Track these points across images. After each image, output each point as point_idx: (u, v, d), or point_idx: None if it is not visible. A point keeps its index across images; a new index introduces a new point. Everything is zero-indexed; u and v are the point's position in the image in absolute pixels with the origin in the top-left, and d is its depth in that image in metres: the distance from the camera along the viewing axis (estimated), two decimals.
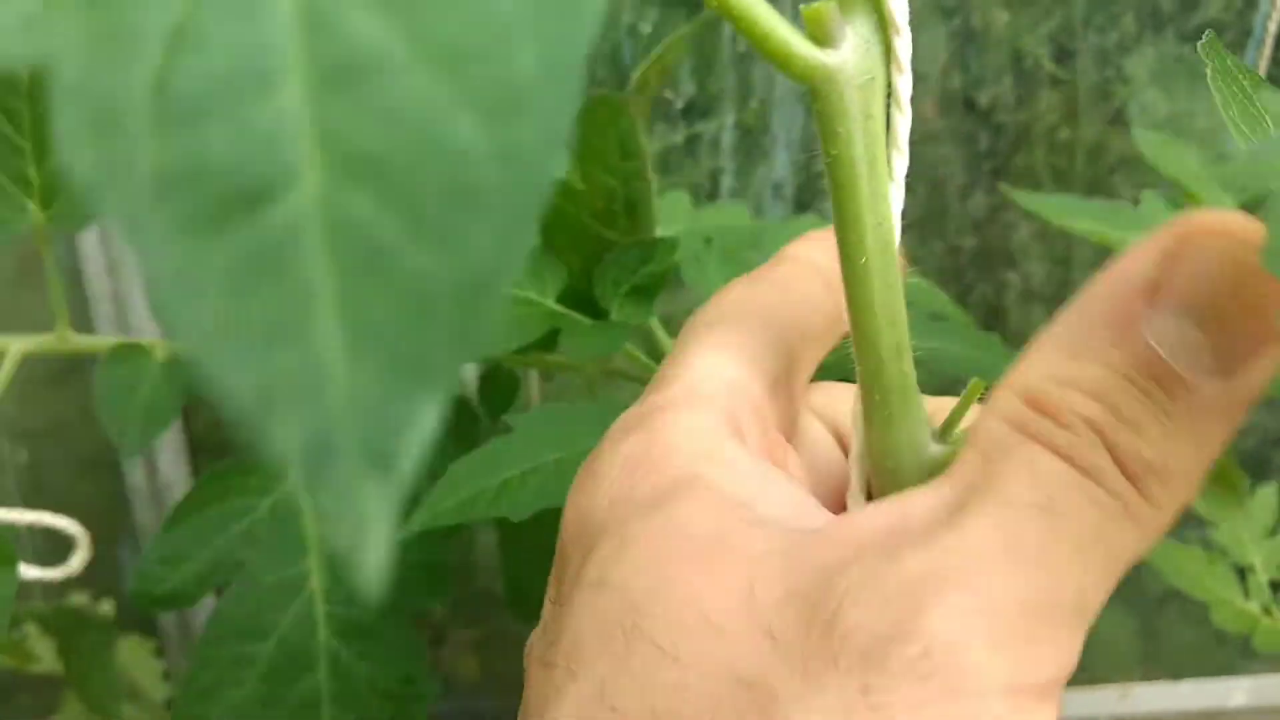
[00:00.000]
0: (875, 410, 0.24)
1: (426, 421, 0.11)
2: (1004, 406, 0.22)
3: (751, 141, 0.70)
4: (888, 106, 0.23)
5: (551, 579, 0.24)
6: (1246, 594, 0.61)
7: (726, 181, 0.71)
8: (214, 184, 0.11)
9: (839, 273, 0.27)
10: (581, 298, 0.41)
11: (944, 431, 0.25)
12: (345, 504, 0.11)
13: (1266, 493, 0.62)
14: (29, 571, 0.47)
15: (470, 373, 0.61)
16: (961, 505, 0.21)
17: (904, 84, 0.23)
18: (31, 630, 0.69)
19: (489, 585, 0.79)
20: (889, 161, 0.24)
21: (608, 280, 0.40)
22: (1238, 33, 0.66)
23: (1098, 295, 0.22)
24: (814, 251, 0.29)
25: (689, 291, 0.46)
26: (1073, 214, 0.47)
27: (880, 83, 0.23)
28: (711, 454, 0.23)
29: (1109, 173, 0.71)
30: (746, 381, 0.26)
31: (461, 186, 0.11)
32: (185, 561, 0.41)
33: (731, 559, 0.21)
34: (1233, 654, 0.85)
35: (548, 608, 0.24)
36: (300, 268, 0.11)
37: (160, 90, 0.11)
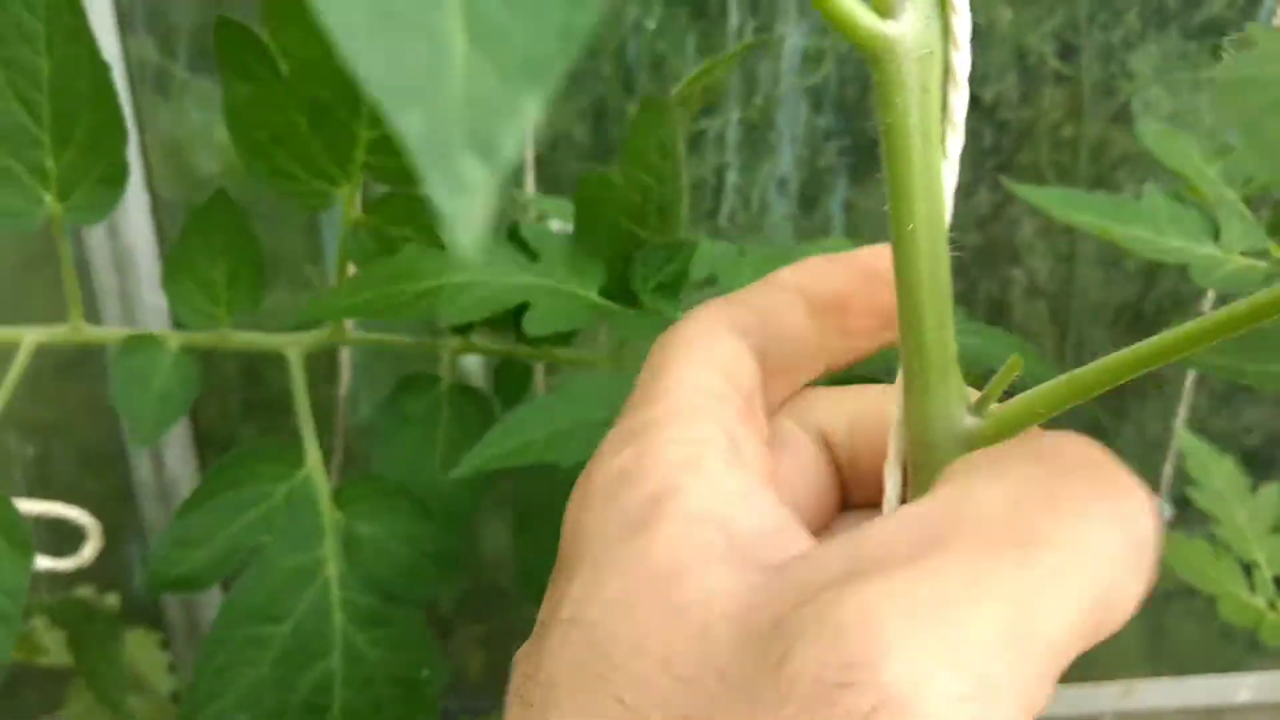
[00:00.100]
0: (914, 380, 0.25)
1: (529, 114, 0.13)
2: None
3: (757, 137, 0.70)
4: (944, 84, 0.24)
5: (548, 592, 0.24)
6: (1252, 589, 0.61)
7: (731, 177, 0.71)
8: None
9: (828, 303, 0.28)
10: (619, 289, 0.42)
11: (979, 406, 0.25)
12: (453, 180, 0.12)
13: (1270, 490, 0.62)
14: (40, 562, 0.47)
15: (482, 367, 0.62)
16: (924, 541, 0.20)
17: (961, 62, 0.24)
18: (39, 623, 0.69)
19: (496, 580, 0.80)
20: (943, 137, 0.24)
21: (638, 276, 0.42)
22: (1241, 29, 0.67)
23: None
24: (803, 278, 0.29)
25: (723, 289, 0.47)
26: (1075, 207, 0.47)
27: (938, 58, 0.23)
28: (697, 463, 0.23)
29: (1112, 169, 0.72)
30: (731, 395, 0.26)
31: None
32: (200, 546, 0.41)
33: (692, 598, 0.21)
34: (1238, 650, 0.85)
35: (539, 624, 0.24)
36: None
37: None
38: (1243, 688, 0.84)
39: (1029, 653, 0.19)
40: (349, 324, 0.46)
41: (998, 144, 0.70)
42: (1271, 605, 0.61)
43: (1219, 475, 0.59)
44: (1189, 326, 0.23)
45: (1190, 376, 0.79)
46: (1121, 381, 0.24)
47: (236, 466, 0.42)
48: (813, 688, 0.19)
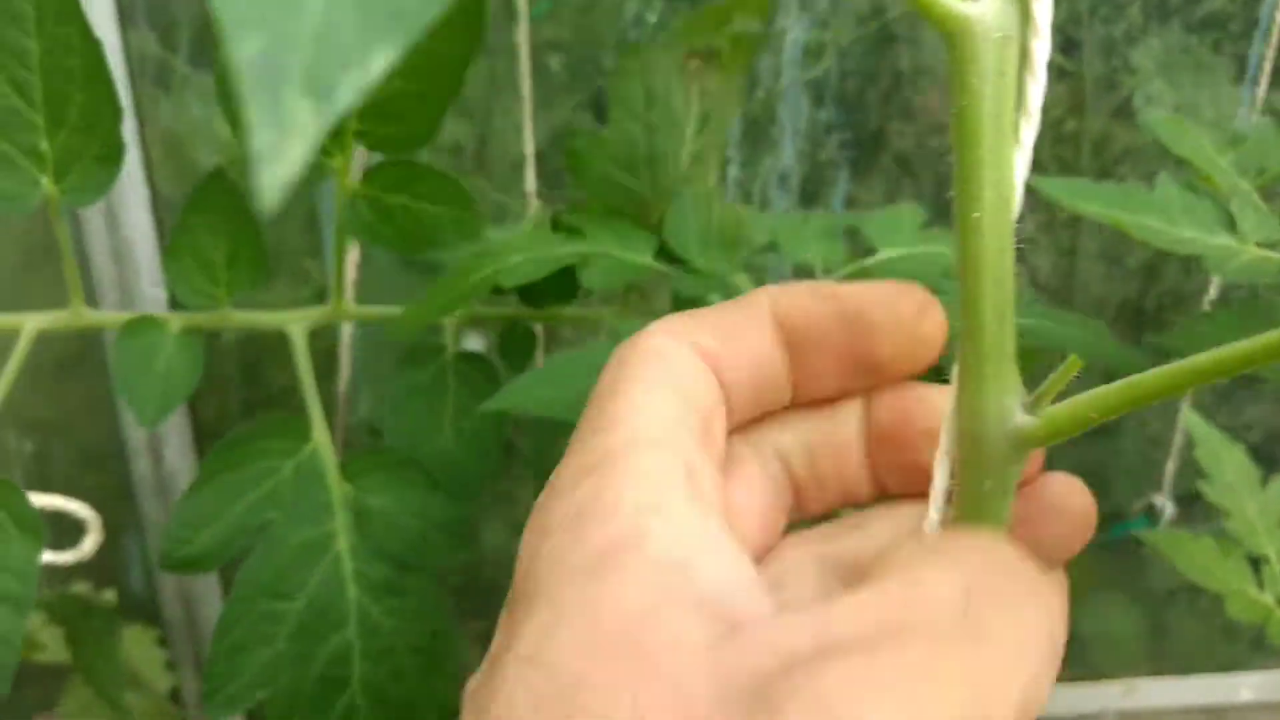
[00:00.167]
0: (969, 371, 0.24)
1: (375, 68, 0.12)
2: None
3: (759, 132, 0.70)
4: (1021, 71, 0.23)
5: (502, 619, 0.24)
6: (1261, 585, 0.61)
7: (733, 171, 0.71)
8: None
9: (801, 337, 0.28)
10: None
11: (1035, 404, 0.25)
12: (276, 115, 0.11)
13: None
14: (42, 556, 0.47)
15: (483, 335, 0.61)
16: (889, 625, 0.21)
17: (1040, 49, 0.23)
18: (36, 619, 0.69)
19: (496, 578, 0.79)
20: (1016, 124, 0.24)
21: (676, 234, 0.42)
22: (1244, 23, 0.67)
23: None
24: (779, 305, 0.28)
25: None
26: (1085, 197, 0.47)
27: (1015, 42, 0.23)
28: (659, 506, 0.23)
29: (1115, 164, 0.71)
30: (689, 417, 0.26)
31: None
32: (210, 524, 0.41)
33: (662, 646, 0.21)
34: (1240, 649, 0.85)
35: (491, 657, 0.24)
36: None
37: None
38: (1245, 687, 0.84)
39: None
40: (350, 292, 0.46)
41: None
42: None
43: (1230, 466, 0.58)
44: (1267, 337, 0.22)
45: None
46: (1181, 393, 0.24)
47: (243, 443, 0.42)
48: None
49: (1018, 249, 0.24)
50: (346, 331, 0.69)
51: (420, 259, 0.67)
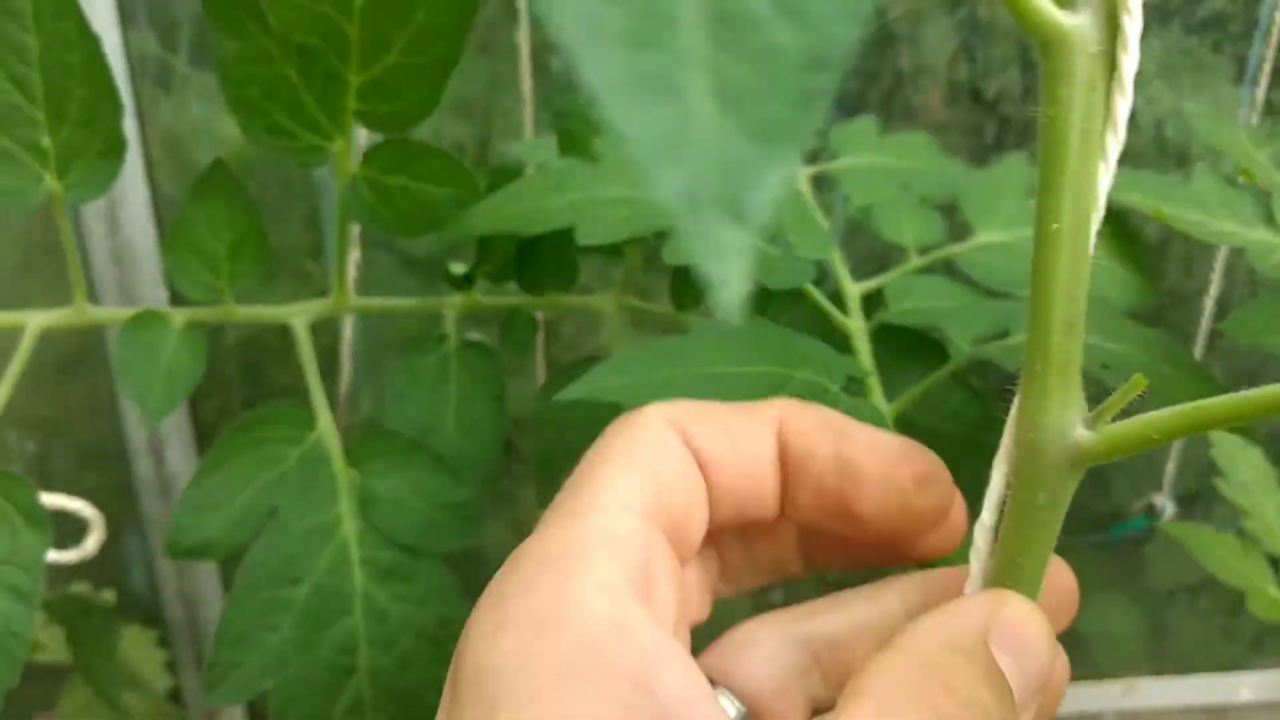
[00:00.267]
0: (1033, 381, 0.24)
1: (776, 178, 0.13)
2: None
3: None
4: (1110, 86, 0.23)
5: (448, 707, 0.24)
6: None
7: None
8: None
9: (803, 462, 0.28)
10: None
11: (1096, 420, 0.24)
12: (711, 244, 0.13)
13: None
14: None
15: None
16: None
17: (1129, 65, 0.23)
18: (35, 619, 0.69)
19: None
20: (1103, 138, 0.24)
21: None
22: (1243, 24, 0.67)
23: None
24: (789, 422, 0.28)
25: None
26: (1125, 186, 0.45)
27: (1108, 57, 0.23)
28: (621, 622, 0.23)
29: (1117, 165, 0.72)
30: (661, 515, 0.25)
31: None
32: (216, 510, 0.41)
33: None
34: (1240, 649, 0.85)
35: None
36: (682, 34, 0.13)
37: None
38: (1245, 686, 0.84)
39: None
40: (352, 291, 0.46)
41: (1000, 138, 0.70)
42: None
43: (1247, 466, 0.58)
44: None
45: None
46: (1246, 421, 0.23)
47: (248, 431, 0.42)
48: None
49: None
50: (348, 329, 0.69)
51: (421, 259, 0.67)
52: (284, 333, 0.45)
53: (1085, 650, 0.85)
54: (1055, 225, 0.23)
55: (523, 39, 0.65)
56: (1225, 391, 0.24)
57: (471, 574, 0.79)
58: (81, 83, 0.41)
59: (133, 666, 0.74)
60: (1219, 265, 0.73)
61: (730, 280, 0.13)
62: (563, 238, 0.44)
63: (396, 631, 0.41)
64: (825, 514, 0.28)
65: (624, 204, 0.40)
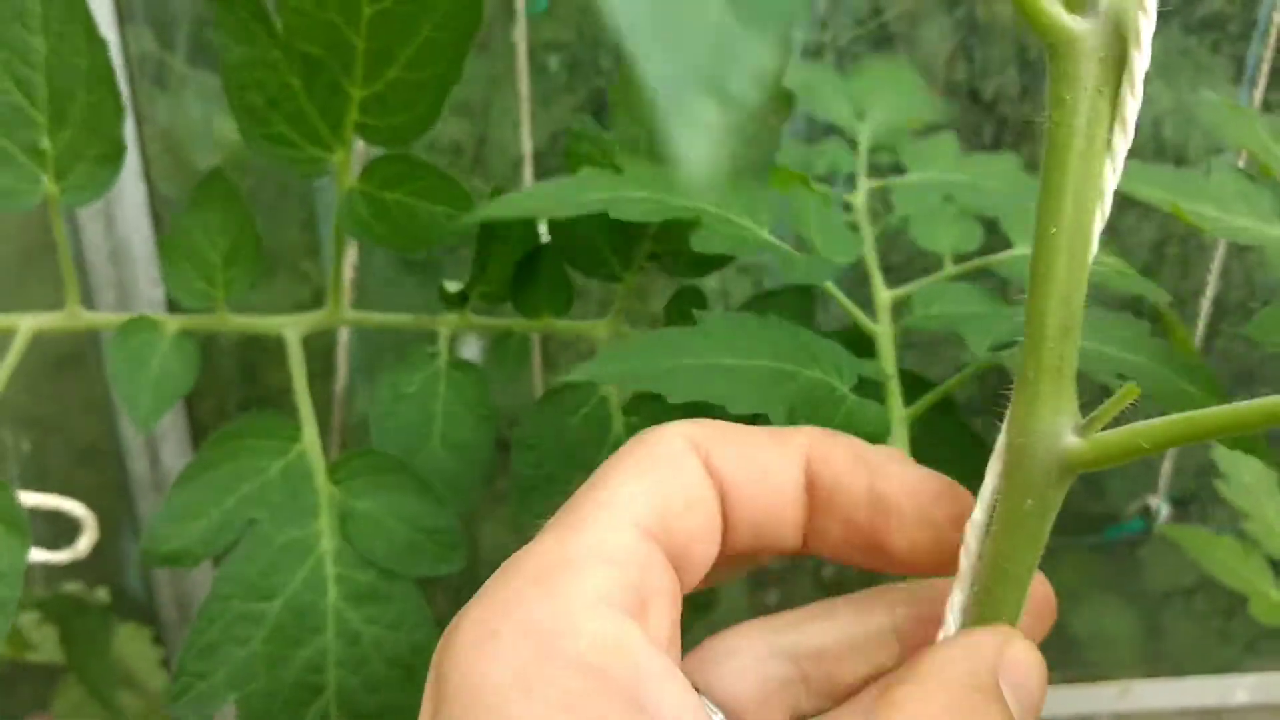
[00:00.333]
0: (1026, 385, 0.24)
1: (759, 57, 0.14)
2: None
3: None
4: (1120, 85, 0.23)
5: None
6: None
7: None
8: None
9: (832, 494, 0.27)
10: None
11: (1087, 428, 0.24)
12: (687, 117, 0.13)
13: None
14: (36, 555, 0.47)
15: (476, 344, 0.61)
16: None
17: (1140, 64, 0.23)
18: (29, 620, 0.69)
19: None
20: (1110, 140, 0.23)
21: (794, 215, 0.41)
22: (1242, 24, 0.67)
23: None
24: (817, 451, 0.27)
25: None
26: (1141, 180, 0.45)
27: (1115, 63, 0.23)
28: (619, 645, 0.23)
29: None
30: (664, 536, 0.25)
31: None
32: (193, 520, 0.40)
33: None
34: (1235, 651, 0.85)
35: None
36: None
37: None
38: (1240, 688, 0.84)
39: None
40: (346, 304, 0.46)
41: (998, 138, 0.70)
42: None
43: (1248, 469, 0.58)
44: None
45: None
46: (1239, 432, 0.23)
47: (231, 440, 0.42)
48: None
49: None
50: (344, 332, 0.69)
51: (419, 261, 0.67)
52: (279, 335, 0.45)
53: (1080, 652, 0.85)
54: (1054, 230, 0.23)
55: (521, 38, 0.64)
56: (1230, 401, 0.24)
57: (469, 576, 0.79)
58: (86, 87, 0.41)
59: (127, 664, 0.74)
60: (1215, 267, 0.73)
61: (699, 156, 0.13)
62: (559, 261, 0.44)
63: (367, 653, 0.40)
64: (853, 548, 0.28)
65: (648, 201, 0.39)
